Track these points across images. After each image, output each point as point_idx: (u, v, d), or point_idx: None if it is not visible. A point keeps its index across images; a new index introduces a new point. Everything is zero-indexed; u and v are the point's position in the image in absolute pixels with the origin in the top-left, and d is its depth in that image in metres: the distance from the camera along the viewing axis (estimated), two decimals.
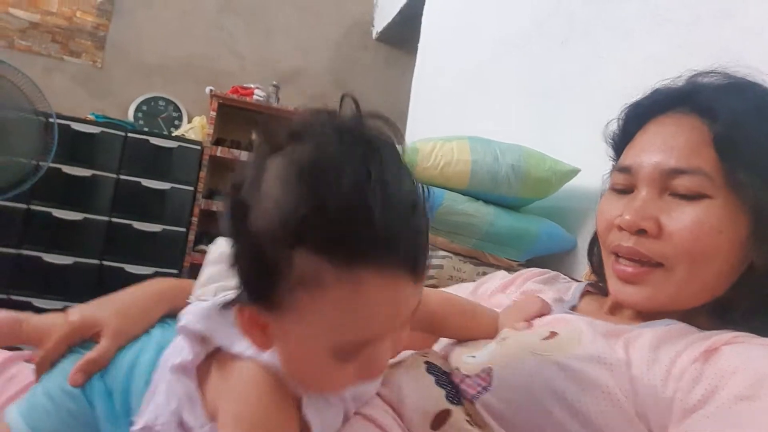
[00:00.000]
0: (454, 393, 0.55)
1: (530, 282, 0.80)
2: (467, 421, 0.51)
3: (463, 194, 1.31)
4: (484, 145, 1.34)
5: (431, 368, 0.57)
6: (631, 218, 0.61)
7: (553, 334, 0.57)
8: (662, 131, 0.64)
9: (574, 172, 1.34)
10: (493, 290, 0.82)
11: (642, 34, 1.31)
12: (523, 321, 0.63)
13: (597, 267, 0.76)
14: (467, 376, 0.55)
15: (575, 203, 1.41)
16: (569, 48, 1.57)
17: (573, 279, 0.82)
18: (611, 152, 0.76)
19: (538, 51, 1.71)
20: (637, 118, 0.69)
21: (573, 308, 0.72)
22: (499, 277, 0.85)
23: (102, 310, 0.56)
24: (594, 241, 0.77)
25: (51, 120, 2.62)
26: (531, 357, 0.54)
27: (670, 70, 1.19)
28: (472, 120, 2.01)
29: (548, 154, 1.37)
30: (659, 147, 0.63)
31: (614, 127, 0.74)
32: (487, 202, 1.33)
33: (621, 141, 0.72)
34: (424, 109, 2.44)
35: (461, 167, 1.30)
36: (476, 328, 0.64)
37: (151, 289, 0.60)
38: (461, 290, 0.83)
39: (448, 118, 2.19)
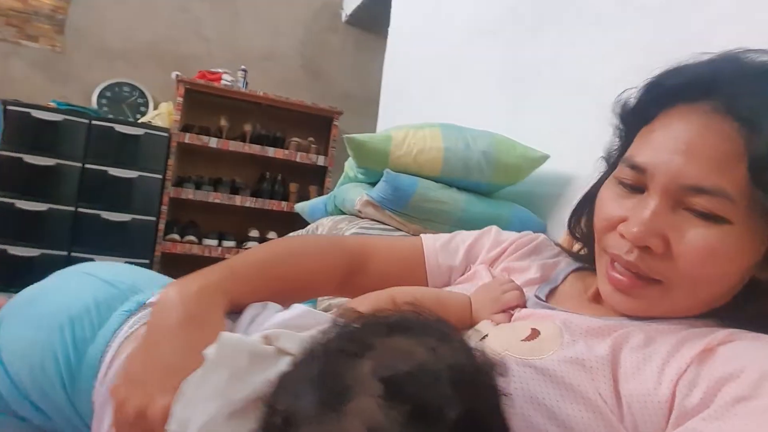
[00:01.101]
0: None
1: (517, 255, 0.76)
2: None
3: (437, 181, 1.32)
4: (455, 133, 1.36)
5: None
6: (638, 233, 0.54)
7: (534, 332, 0.55)
8: (688, 130, 0.54)
9: (544, 158, 1.37)
10: (482, 259, 0.78)
11: (612, 21, 1.34)
12: (501, 312, 0.62)
13: (582, 239, 0.72)
14: None
15: (545, 188, 1.44)
16: (540, 35, 1.58)
17: (559, 245, 0.79)
18: (619, 124, 0.66)
19: (510, 37, 1.72)
20: (658, 101, 0.59)
21: (554, 289, 0.69)
22: (491, 239, 0.80)
23: None
24: (578, 212, 0.73)
25: None
26: (511, 360, 0.52)
27: (639, 57, 1.22)
28: (444, 105, 2.02)
29: (519, 140, 1.40)
30: (682, 151, 0.53)
31: (628, 98, 0.65)
32: (459, 188, 1.34)
33: (635, 120, 0.62)
34: (396, 94, 2.43)
35: (434, 155, 1.31)
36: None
37: None
38: (460, 239, 0.81)
39: (420, 103, 2.20)
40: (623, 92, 0.66)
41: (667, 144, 0.55)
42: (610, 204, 0.59)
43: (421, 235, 0.82)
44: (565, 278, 0.71)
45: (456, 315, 0.62)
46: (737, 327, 0.53)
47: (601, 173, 0.69)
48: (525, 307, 0.64)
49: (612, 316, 0.60)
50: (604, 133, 1.29)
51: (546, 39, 1.56)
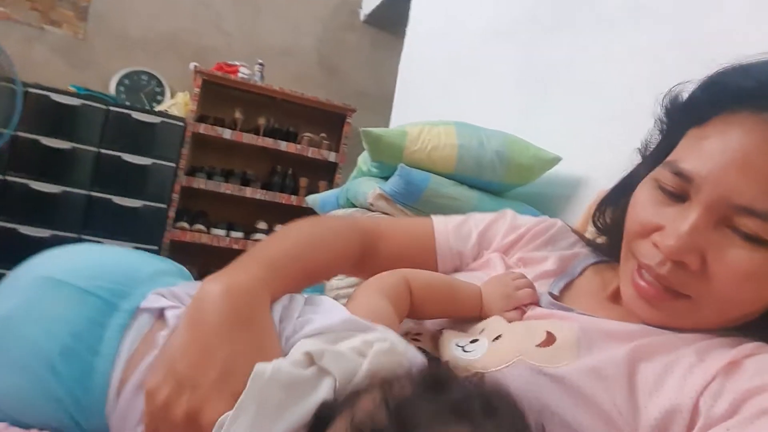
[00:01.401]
0: None
1: (534, 244, 0.72)
2: None
3: (449, 178, 1.34)
4: (470, 131, 1.37)
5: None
6: (675, 247, 0.50)
7: (549, 337, 0.53)
8: (749, 142, 0.49)
9: (556, 159, 1.38)
10: (497, 245, 0.74)
11: (625, 26, 1.35)
12: (513, 309, 0.60)
13: (605, 231, 0.69)
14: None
15: (556, 190, 1.45)
16: (556, 37, 1.60)
17: (576, 233, 0.75)
18: (664, 118, 0.62)
19: (526, 39, 1.74)
20: (717, 102, 0.53)
21: (570, 283, 0.66)
22: (506, 224, 0.76)
23: None
24: (606, 204, 0.69)
25: (15, 87, 2.56)
26: (525, 366, 0.50)
27: (651, 62, 1.23)
28: (458, 105, 2.04)
29: (531, 141, 1.41)
30: (738, 166, 0.48)
31: (680, 92, 0.59)
32: (471, 186, 1.36)
33: (684, 119, 0.56)
34: (410, 92, 2.46)
35: (448, 152, 1.33)
36: (457, 310, 0.62)
37: None
38: (473, 222, 0.77)
39: (434, 102, 2.22)
40: (676, 85, 0.60)
41: (721, 155, 0.50)
42: (647, 209, 0.55)
43: (432, 216, 0.78)
44: (582, 271, 0.68)
45: (467, 305, 0.62)
46: (763, 340, 0.51)
47: (636, 165, 0.66)
48: (538, 304, 0.62)
49: (631, 320, 0.56)
50: (615, 137, 1.30)
51: (561, 42, 1.57)
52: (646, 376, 0.49)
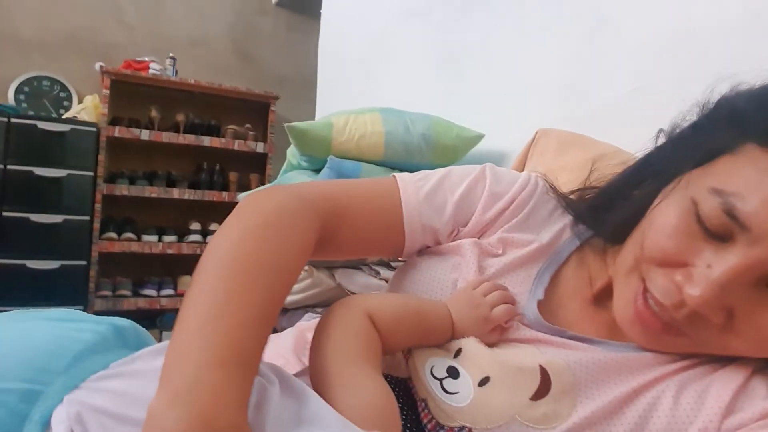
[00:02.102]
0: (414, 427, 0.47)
1: (516, 221, 0.62)
2: None
3: (379, 165, 1.36)
4: (395, 116, 1.39)
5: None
6: (702, 299, 0.43)
7: (543, 380, 0.48)
8: None
9: (479, 137, 1.43)
10: (475, 222, 0.62)
11: (536, 2, 1.40)
12: (491, 331, 0.53)
13: (595, 207, 0.61)
14: (440, 426, 0.47)
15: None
16: (469, 16, 1.63)
17: (555, 191, 0.65)
18: (714, 109, 0.52)
19: (440, 19, 1.76)
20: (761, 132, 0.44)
21: (556, 274, 0.60)
22: (486, 190, 0.63)
23: None
24: (610, 190, 0.61)
25: None
26: (518, 427, 0.46)
27: (562, 37, 1.29)
28: (381, 88, 2.05)
29: (454, 121, 1.45)
30: None
31: (748, 92, 0.50)
32: (401, 171, 1.38)
33: (751, 129, 0.46)
34: (333, 76, 2.43)
35: (375, 139, 1.34)
36: (427, 341, 0.54)
37: None
38: (448, 188, 0.63)
39: (357, 86, 2.21)
40: (739, 84, 0.51)
41: None
42: (675, 239, 0.47)
43: (399, 181, 0.63)
44: (568, 258, 0.61)
45: (437, 335, 0.54)
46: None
47: (658, 150, 0.57)
48: (518, 313, 0.55)
49: (619, 332, 0.52)
50: (532, 111, 1.36)
51: (475, 20, 1.61)
52: (661, 422, 0.46)
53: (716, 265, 0.43)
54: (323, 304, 1.42)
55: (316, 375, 0.46)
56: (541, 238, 0.61)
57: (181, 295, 3.07)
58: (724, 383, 0.47)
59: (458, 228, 0.62)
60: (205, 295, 0.42)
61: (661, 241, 0.48)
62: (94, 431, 0.37)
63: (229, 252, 0.46)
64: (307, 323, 0.76)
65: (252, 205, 0.52)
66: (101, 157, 3.00)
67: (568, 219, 0.63)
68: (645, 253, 0.49)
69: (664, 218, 0.48)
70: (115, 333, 0.49)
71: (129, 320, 0.52)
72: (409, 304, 0.55)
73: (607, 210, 0.58)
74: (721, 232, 0.44)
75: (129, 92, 3.27)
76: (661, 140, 0.57)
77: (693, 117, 0.54)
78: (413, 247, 0.63)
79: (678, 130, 0.55)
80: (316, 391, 0.43)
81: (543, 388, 0.47)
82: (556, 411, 0.46)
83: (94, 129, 2.97)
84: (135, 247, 3.13)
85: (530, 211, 0.62)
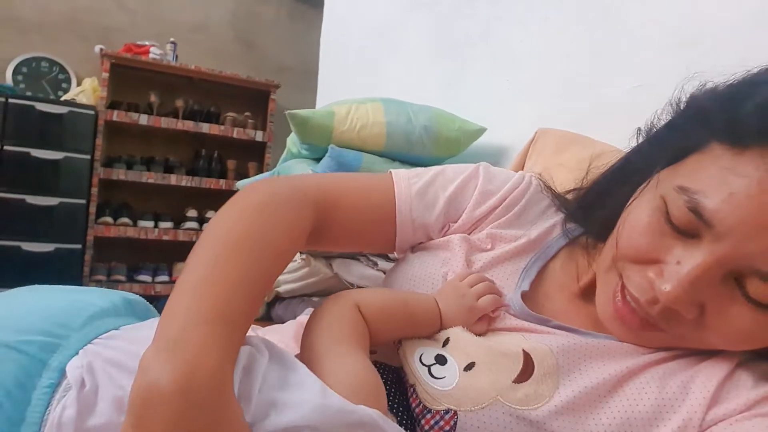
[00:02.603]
0: (407, 421, 0.48)
1: (506, 218, 0.63)
2: None
3: (380, 156, 1.35)
4: (397, 107, 1.38)
5: (381, 374, 0.49)
6: (673, 295, 0.44)
7: (526, 364, 0.49)
8: None
9: (482, 131, 1.42)
10: (465, 219, 0.63)
11: None
12: (478, 321, 0.54)
13: (585, 205, 0.62)
14: (427, 410, 0.48)
15: (482, 160, 1.50)
16: (473, 8, 1.62)
17: (549, 189, 0.66)
18: (684, 109, 0.53)
19: (444, 10, 1.75)
20: (733, 131, 0.44)
21: (543, 268, 0.60)
22: (478, 188, 0.64)
23: None
24: (597, 189, 0.61)
25: None
26: (502, 409, 0.46)
27: (564, 32, 1.28)
28: (383, 78, 2.04)
29: (456, 113, 1.44)
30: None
31: (716, 90, 0.50)
32: (402, 162, 1.38)
33: (717, 129, 0.47)
34: (335, 66, 2.42)
35: (377, 129, 1.34)
36: (415, 332, 0.55)
37: None
38: (440, 185, 0.64)
39: (359, 76, 2.20)
40: (706, 83, 0.52)
41: (758, 209, 0.41)
42: (646, 236, 0.48)
43: (394, 176, 0.65)
44: (557, 253, 0.62)
45: (425, 326, 0.55)
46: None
47: (637, 149, 0.59)
48: (505, 305, 0.56)
49: (612, 334, 0.53)
50: (534, 106, 1.36)
51: (478, 13, 1.60)
52: (640, 408, 0.46)
53: (685, 262, 0.45)
54: (320, 293, 1.42)
55: (305, 354, 0.47)
56: (530, 233, 0.62)
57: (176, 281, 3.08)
58: (709, 374, 0.48)
59: (449, 224, 0.64)
60: (199, 264, 0.45)
61: (633, 239, 0.49)
62: (101, 378, 0.41)
63: (223, 231, 0.49)
64: (306, 317, 0.76)
65: (248, 192, 0.55)
66: (99, 141, 2.99)
67: (560, 217, 0.64)
68: (620, 251, 0.50)
69: (636, 217, 0.50)
70: (126, 304, 0.53)
71: (139, 296, 0.57)
72: (397, 297, 0.57)
73: (593, 208, 0.59)
74: (689, 229, 0.45)
75: (128, 76, 3.25)
76: (641, 138, 0.58)
77: (667, 116, 0.55)
78: (405, 242, 0.64)
79: (654, 129, 0.56)
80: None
81: (526, 371, 0.48)
82: (538, 392, 0.47)
83: (93, 112, 2.95)
84: (131, 232, 3.12)
85: (521, 209, 0.63)
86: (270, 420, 0.38)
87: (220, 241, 0.47)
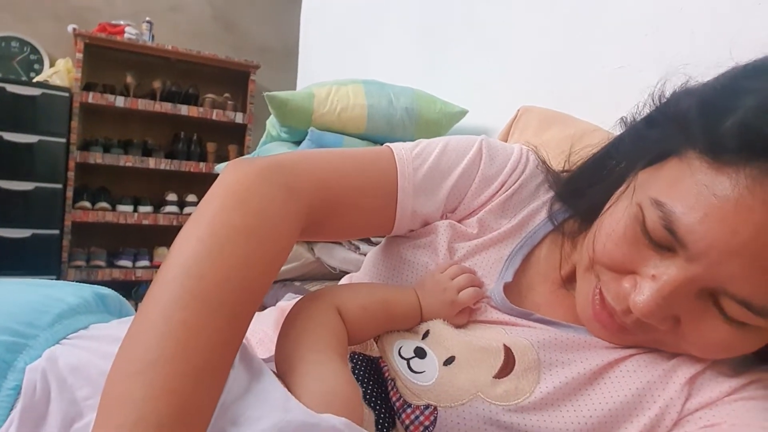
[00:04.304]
0: (386, 414, 0.48)
1: (498, 202, 0.61)
2: None
3: (361, 138, 1.34)
4: (378, 89, 1.37)
5: (358, 365, 0.50)
6: (647, 310, 0.44)
7: (507, 359, 0.48)
8: (760, 209, 0.39)
9: (463, 113, 1.41)
10: (464, 208, 0.61)
11: None
12: (459, 314, 0.54)
13: (570, 202, 0.60)
14: (407, 404, 0.48)
15: None
16: None
17: (545, 165, 0.64)
18: (661, 108, 0.52)
19: None
20: (746, 147, 0.40)
21: (528, 255, 0.60)
22: (479, 173, 0.61)
23: None
24: (579, 177, 0.60)
25: None
26: (482, 405, 0.46)
27: (548, 13, 1.27)
28: (363, 59, 2.01)
29: (437, 95, 1.43)
30: (749, 254, 0.40)
31: (694, 93, 0.48)
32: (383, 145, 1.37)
33: (696, 137, 0.44)
34: (315, 47, 2.38)
35: (358, 112, 1.32)
36: (395, 328, 0.54)
37: None
38: (446, 169, 0.60)
39: (339, 56, 2.17)
40: (688, 81, 0.50)
41: (733, 235, 0.40)
42: (621, 247, 0.47)
43: (396, 158, 0.59)
44: (543, 239, 0.61)
45: (405, 322, 0.54)
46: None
47: (617, 140, 0.58)
48: (486, 296, 0.56)
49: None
50: (517, 88, 1.35)
51: None
52: (619, 401, 0.46)
53: (659, 276, 0.44)
54: (302, 278, 1.41)
55: (280, 362, 0.45)
56: (518, 217, 0.60)
57: (157, 266, 3.03)
58: (689, 363, 0.48)
59: (446, 214, 0.62)
60: (160, 320, 0.37)
61: (608, 249, 0.48)
62: (54, 387, 0.39)
63: (194, 264, 0.39)
64: (287, 303, 0.75)
65: (232, 197, 0.46)
66: (74, 123, 2.91)
67: (549, 195, 0.62)
68: (596, 257, 0.50)
69: (612, 226, 0.49)
70: (98, 299, 0.50)
71: (111, 289, 0.54)
72: (377, 294, 0.55)
73: (578, 194, 0.58)
74: (665, 243, 0.44)
75: (103, 57, 3.16)
76: (622, 129, 0.57)
77: (648, 109, 0.53)
78: (400, 230, 0.62)
79: (634, 123, 0.55)
80: (280, 377, 0.43)
81: (506, 367, 0.48)
82: (519, 387, 0.47)
83: (67, 94, 2.87)
84: (110, 216, 3.07)
85: (515, 191, 0.62)
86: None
87: (187, 284, 0.38)
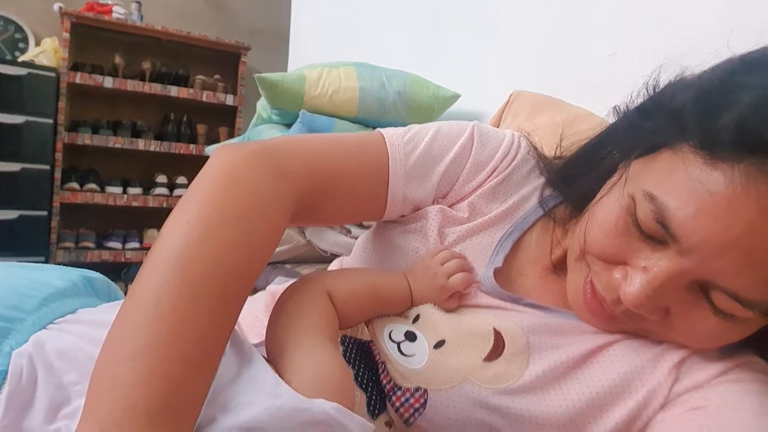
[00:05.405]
0: (377, 396, 0.48)
1: (489, 187, 0.60)
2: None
3: (353, 122, 1.33)
4: (370, 72, 1.36)
5: (349, 348, 0.50)
6: (637, 301, 0.44)
7: (497, 342, 0.49)
8: (759, 220, 0.39)
9: (455, 97, 1.41)
10: (455, 194, 0.61)
11: None
12: (449, 299, 0.54)
13: (561, 187, 0.60)
14: (398, 387, 0.48)
15: None
16: None
17: (539, 153, 0.64)
18: (654, 100, 0.52)
19: None
20: (743, 144, 0.40)
21: (519, 240, 0.59)
22: (471, 158, 0.61)
23: None
24: (572, 165, 0.59)
25: None
26: (472, 388, 0.47)
27: (541, 1, 1.26)
28: (355, 42, 1.99)
29: (430, 78, 1.42)
30: (742, 250, 0.40)
31: (690, 86, 0.48)
32: (375, 128, 1.36)
33: (690, 130, 0.44)
34: (306, 29, 2.35)
35: (349, 95, 1.31)
36: (385, 313, 0.55)
37: None
38: (438, 154, 0.60)
39: (331, 39, 2.15)
40: (684, 71, 0.50)
41: (725, 230, 0.40)
42: (612, 238, 0.47)
43: (388, 143, 0.59)
44: (533, 224, 0.61)
45: (395, 307, 0.54)
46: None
47: (610, 129, 0.57)
48: (476, 281, 0.56)
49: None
50: (509, 73, 1.34)
51: None
52: (603, 386, 0.47)
53: (650, 269, 0.44)
54: (293, 260, 1.41)
55: (271, 346, 0.45)
56: (509, 202, 0.60)
57: (147, 248, 3.02)
58: (677, 348, 0.49)
59: (437, 199, 0.62)
60: (150, 305, 0.36)
61: (600, 239, 0.48)
62: (41, 372, 0.38)
63: (185, 249, 0.39)
64: (278, 286, 0.75)
65: (222, 180, 0.45)
66: (62, 104, 2.87)
67: (540, 181, 0.62)
68: (587, 247, 0.50)
69: (604, 216, 0.48)
70: (86, 282, 0.50)
71: (99, 273, 0.53)
72: (367, 278, 0.55)
73: (570, 181, 0.58)
74: (656, 235, 0.44)
75: (91, 37, 3.10)
76: (615, 118, 0.57)
77: (642, 98, 0.53)
78: (391, 216, 0.62)
79: (627, 112, 0.54)
80: (271, 362, 0.43)
81: (496, 350, 0.48)
82: (509, 371, 0.47)
83: (54, 74, 2.82)
84: (99, 198, 3.04)
85: (506, 176, 0.61)
86: (218, 423, 0.35)
87: (177, 269, 0.38)
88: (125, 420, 0.32)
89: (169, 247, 0.39)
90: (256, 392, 0.37)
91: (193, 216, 0.41)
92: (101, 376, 0.34)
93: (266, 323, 0.47)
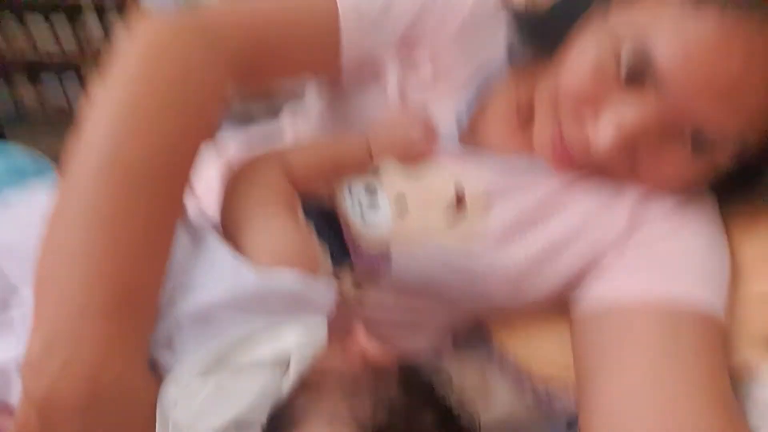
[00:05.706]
0: (339, 251, 0.48)
1: (452, 37, 0.55)
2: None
3: None
4: None
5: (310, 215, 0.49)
6: (608, 150, 0.44)
7: (459, 204, 0.49)
8: (755, 61, 0.39)
9: None
10: (425, 48, 0.56)
11: None
12: (410, 156, 0.52)
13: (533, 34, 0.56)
14: (362, 250, 0.48)
15: None
16: None
17: None
18: None
19: None
20: None
21: (485, 95, 0.56)
22: (436, 15, 0.55)
23: None
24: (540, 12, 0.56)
25: None
26: (434, 245, 0.48)
27: None
28: None
29: None
30: (727, 92, 0.40)
31: None
32: None
33: None
34: None
35: None
36: (347, 175, 0.52)
37: None
38: (400, 10, 0.54)
39: None
40: None
41: (712, 69, 0.40)
42: (590, 79, 0.45)
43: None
44: (500, 78, 0.57)
45: (356, 167, 0.52)
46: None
47: None
48: (439, 136, 0.54)
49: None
50: None
51: None
52: (563, 230, 0.48)
53: (623, 116, 0.43)
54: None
55: (227, 224, 0.44)
56: (474, 54, 0.56)
57: None
58: (635, 187, 0.49)
59: (398, 49, 0.56)
60: (84, 198, 0.34)
61: (576, 81, 0.46)
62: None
63: (114, 133, 0.36)
64: (233, 157, 0.69)
65: (150, 56, 0.42)
66: None
67: (509, 31, 0.57)
68: (560, 91, 0.48)
69: (583, 56, 0.46)
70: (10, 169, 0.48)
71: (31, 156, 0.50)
72: (325, 149, 0.53)
73: (541, 22, 0.55)
74: (635, 75, 0.42)
75: None
76: None
77: None
78: (349, 69, 0.56)
79: None
80: (228, 240, 0.41)
81: (459, 207, 0.48)
82: (472, 226, 0.48)
83: None
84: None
85: (472, 24, 0.56)
86: (179, 306, 0.34)
87: (108, 158, 0.35)
88: (81, 322, 0.31)
89: (97, 130, 0.37)
90: (214, 272, 0.36)
91: (121, 92, 0.39)
92: (44, 279, 0.33)
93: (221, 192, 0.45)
